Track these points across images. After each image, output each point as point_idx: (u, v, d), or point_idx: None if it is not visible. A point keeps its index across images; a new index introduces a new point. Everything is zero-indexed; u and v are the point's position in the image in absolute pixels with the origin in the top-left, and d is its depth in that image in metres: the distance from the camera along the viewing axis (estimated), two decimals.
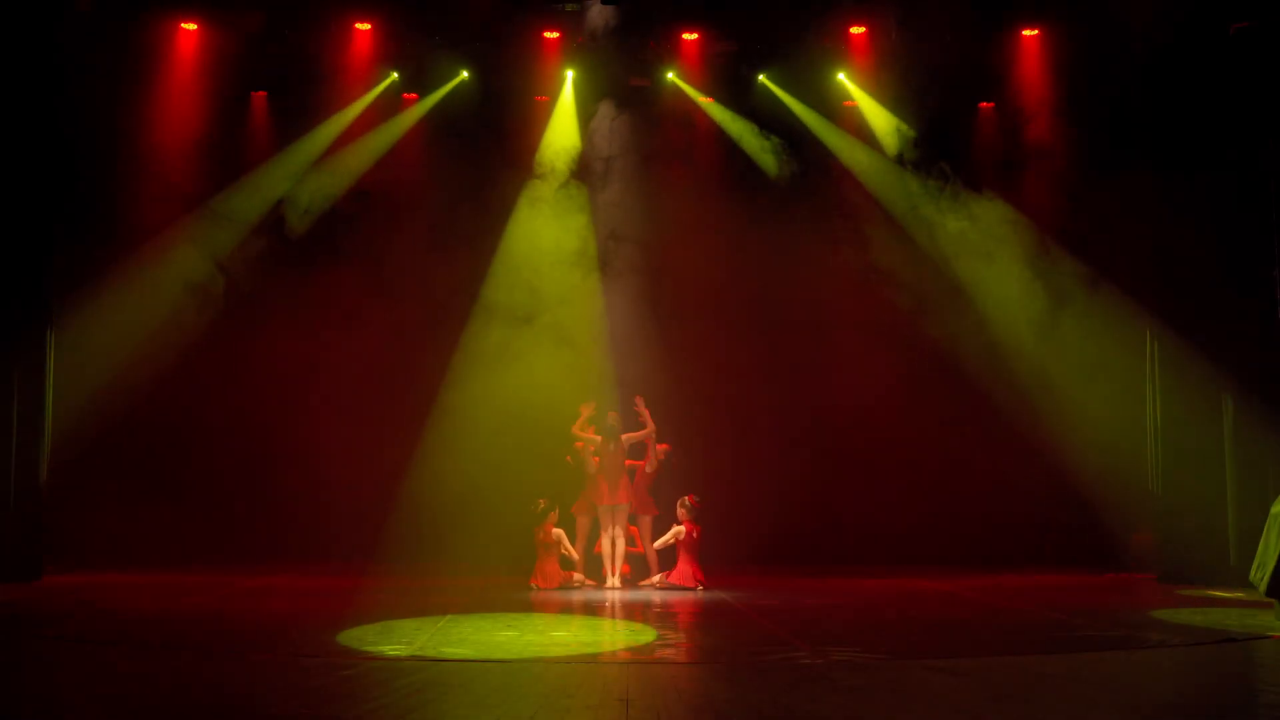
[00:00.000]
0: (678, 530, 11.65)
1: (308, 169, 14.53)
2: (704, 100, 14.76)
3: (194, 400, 14.35)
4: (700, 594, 11.17)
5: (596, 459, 11.99)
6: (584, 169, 14.80)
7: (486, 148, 14.55)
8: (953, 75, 14.32)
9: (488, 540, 12.87)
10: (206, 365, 14.31)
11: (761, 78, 14.63)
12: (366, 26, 14.02)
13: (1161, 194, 12.02)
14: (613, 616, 9.59)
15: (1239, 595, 10.73)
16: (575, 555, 11.76)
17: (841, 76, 14.51)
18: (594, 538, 12.12)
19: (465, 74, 14.51)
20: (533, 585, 11.52)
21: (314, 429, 14.30)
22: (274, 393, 14.23)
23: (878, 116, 14.49)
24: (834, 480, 14.59)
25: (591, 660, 7.40)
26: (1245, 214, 11.48)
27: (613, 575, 11.74)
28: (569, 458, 12.26)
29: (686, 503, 11.73)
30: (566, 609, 10.06)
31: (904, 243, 14.50)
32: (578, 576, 11.81)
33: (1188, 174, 11.80)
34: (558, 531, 11.66)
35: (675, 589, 11.54)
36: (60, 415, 12.38)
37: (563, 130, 14.85)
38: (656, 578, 11.86)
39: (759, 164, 14.80)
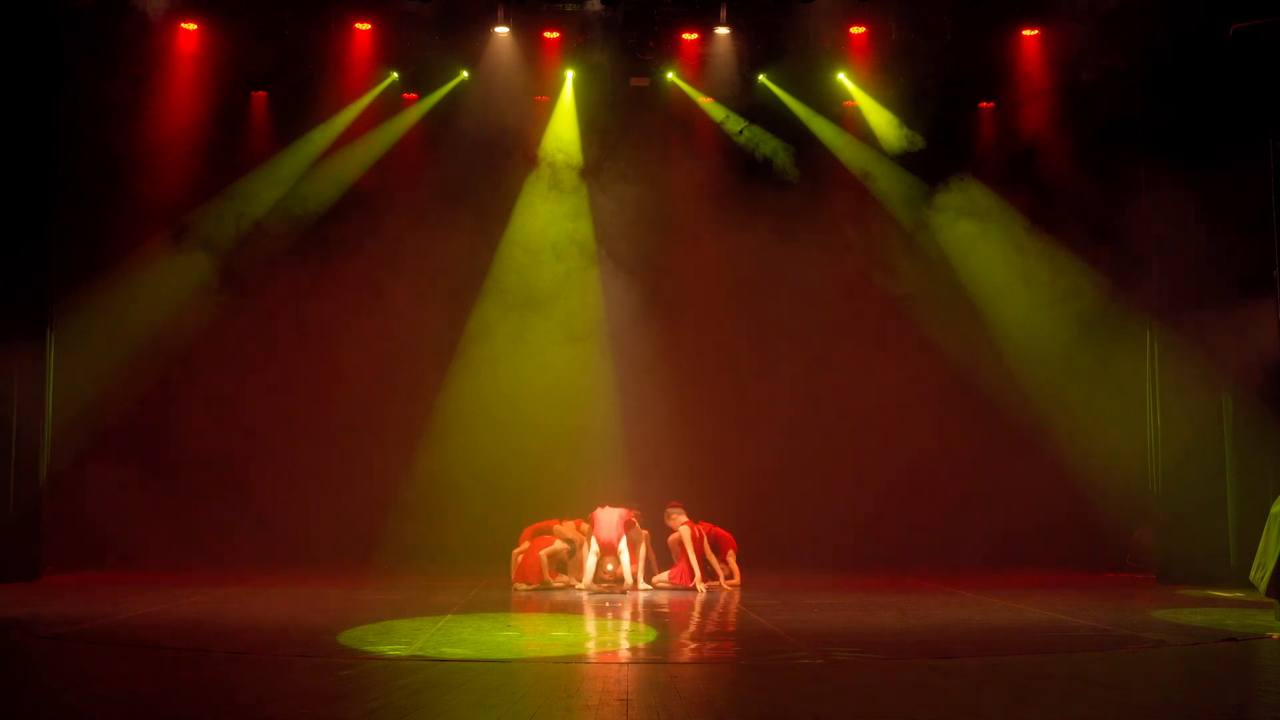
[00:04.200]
0: (687, 531, 11.59)
1: (307, 169, 14.53)
2: (704, 100, 14.76)
3: (194, 400, 14.33)
4: (701, 593, 11.16)
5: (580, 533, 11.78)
6: (584, 168, 14.81)
7: (487, 148, 14.53)
8: (953, 75, 14.33)
9: (488, 540, 12.86)
10: (207, 364, 14.31)
11: (761, 78, 14.63)
12: (366, 26, 14.01)
13: (1162, 194, 12.02)
14: (613, 617, 9.59)
15: (1239, 595, 10.73)
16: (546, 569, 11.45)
17: (841, 76, 14.51)
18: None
19: (465, 74, 14.51)
20: (517, 585, 11.47)
21: (314, 429, 14.32)
22: (273, 392, 14.24)
23: (878, 116, 14.49)
24: (833, 479, 14.58)
25: (591, 660, 7.41)
26: (1246, 213, 11.47)
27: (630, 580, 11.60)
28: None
29: (676, 509, 11.68)
30: (567, 609, 10.06)
31: (903, 241, 14.51)
32: (562, 577, 11.76)
33: (1188, 174, 11.80)
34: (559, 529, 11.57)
35: (677, 588, 11.55)
36: (60, 415, 12.37)
37: (563, 130, 14.85)
38: (659, 577, 11.86)
39: (758, 163, 14.78)
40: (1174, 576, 11.91)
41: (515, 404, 14.23)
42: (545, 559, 11.41)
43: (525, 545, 11.66)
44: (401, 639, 7.92)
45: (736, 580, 11.71)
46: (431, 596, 10.60)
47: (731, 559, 11.83)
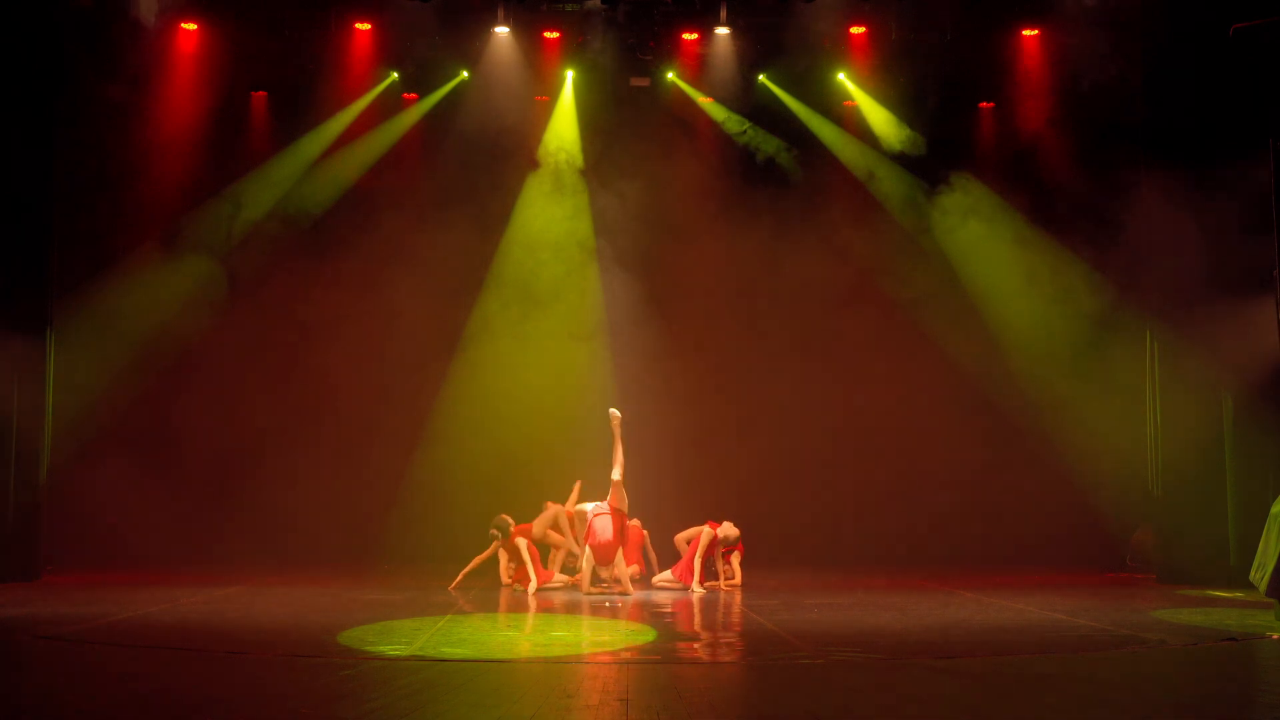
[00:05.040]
0: (705, 532, 11.59)
1: (307, 169, 14.54)
2: (704, 100, 14.77)
3: (194, 400, 14.32)
4: (699, 594, 11.15)
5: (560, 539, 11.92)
6: (584, 168, 14.82)
7: (487, 148, 14.54)
8: (953, 75, 14.34)
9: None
10: (207, 364, 14.31)
11: (761, 78, 14.64)
12: (366, 26, 14.02)
13: (1162, 194, 12.02)
14: (613, 617, 9.59)
15: (1239, 595, 10.73)
16: (531, 573, 11.26)
17: (841, 76, 14.52)
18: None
19: (465, 74, 14.51)
20: (515, 585, 11.47)
21: (314, 428, 14.31)
22: (274, 392, 14.23)
23: (878, 116, 14.49)
24: (833, 478, 14.58)
25: (591, 660, 7.41)
26: (1246, 213, 11.47)
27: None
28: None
29: (732, 533, 11.66)
30: (566, 609, 10.06)
31: (903, 241, 14.53)
32: (561, 577, 11.76)
33: (1188, 174, 11.80)
34: (522, 540, 11.45)
35: (674, 585, 11.56)
36: (60, 415, 12.38)
37: (563, 129, 14.85)
38: (662, 576, 11.86)
39: (759, 163, 14.80)
40: (1174, 576, 11.91)
41: (516, 403, 14.24)
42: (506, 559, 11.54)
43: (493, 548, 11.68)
44: (401, 639, 7.92)
45: (737, 581, 11.71)
46: (431, 596, 10.60)
47: (735, 560, 11.83)
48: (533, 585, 11.14)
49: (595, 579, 11.18)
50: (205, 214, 14.19)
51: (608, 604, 10.34)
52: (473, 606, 10.08)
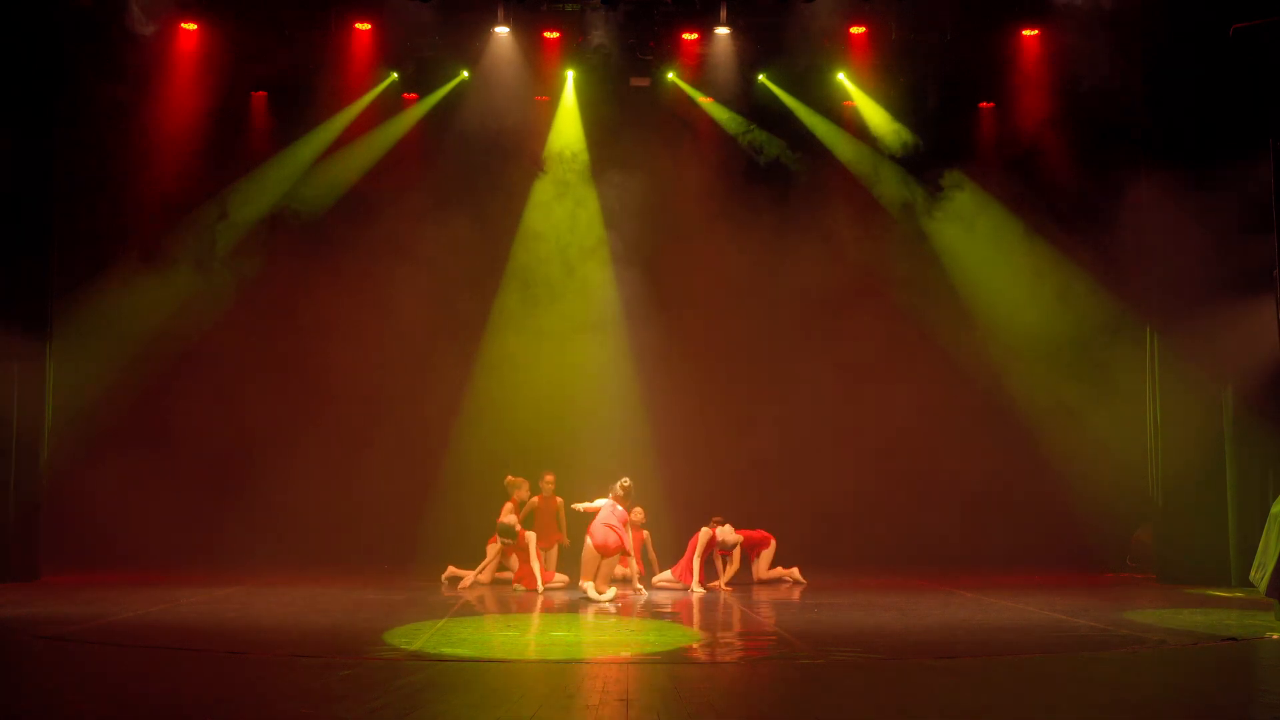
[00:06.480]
0: (703, 532, 11.66)
1: (307, 169, 14.54)
2: (704, 100, 14.77)
3: (194, 399, 14.32)
4: (698, 594, 11.16)
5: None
6: (586, 167, 14.81)
7: (487, 148, 14.54)
8: (953, 75, 14.35)
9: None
10: (207, 364, 14.30)
11: (761, 78, 14.64)
12: (366, 26, 14.02)
13: (1162, 193, 12.02)
14: (614, 617, 9.59)
15: (1239, 595, 10.74)
16: (536, 573, 11.29)
17: (841, 76, 14.52)
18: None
19: (465, 74, 14.52)
20: (516, 585, 11.49)
21: (315, 428, 14.29)
22: (274, 392, 14.22)
23: (877, 117, 14.49)
24: (834, 477, 14.57)
25: (591, 660, 7.41)
26: (1246, 213, 11.48)
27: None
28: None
29: (730, 537, 11.79)
30: (567, 609, 10.07)
31: (902, 241, 14.53)
32: (560, 576, 11.77)
33: (1188, 173, 11.79)
34: (531, 535, 11.48)
35: (674, 585, 11.59)
36: (60, 415, 12.37)
37: (565, 130, 14.86)
38: (662, 575, 11.88)
39: (760, 163, 14.80)
40: (1174, 576, 11.92)
41: (520, 399, 14.24)
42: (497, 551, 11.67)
43: (497, 546, 11.67)
44: (401, 639, 7.93)
45: (735, 567, 11.82)
46: (431, 596, 10.60)
47: (736, 555, 11.91)
48: (539, 585, 11.17)
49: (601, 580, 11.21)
50: (205, 214, 14.19)
51: (609, 603, 10.33)
52: (473, 606, 10.08)
